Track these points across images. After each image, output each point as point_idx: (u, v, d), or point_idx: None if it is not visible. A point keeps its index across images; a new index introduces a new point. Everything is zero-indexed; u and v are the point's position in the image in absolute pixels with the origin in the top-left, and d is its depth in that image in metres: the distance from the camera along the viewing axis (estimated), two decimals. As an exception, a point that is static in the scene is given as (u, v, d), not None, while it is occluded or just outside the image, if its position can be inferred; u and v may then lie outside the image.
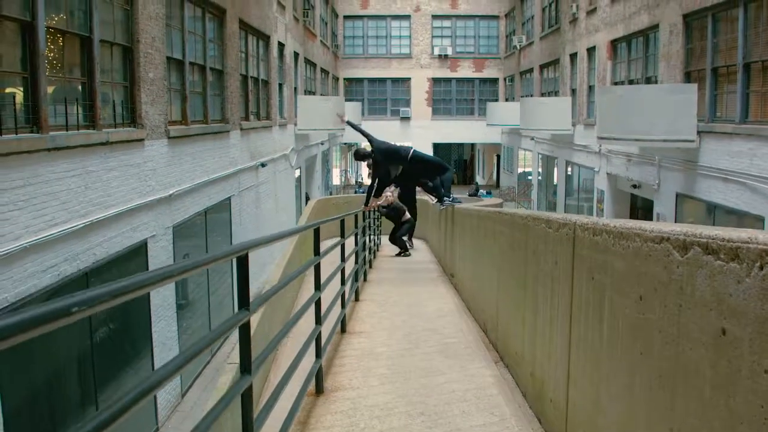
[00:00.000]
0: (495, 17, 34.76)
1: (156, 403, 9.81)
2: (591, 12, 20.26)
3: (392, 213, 14.90)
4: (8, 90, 6.93)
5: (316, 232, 4.28)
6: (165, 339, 10.24)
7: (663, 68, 14.83)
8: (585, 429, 2.87)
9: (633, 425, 2.28)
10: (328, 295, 4.72)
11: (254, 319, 6.52)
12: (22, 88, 7.03)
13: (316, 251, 4.24)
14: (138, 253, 9.50)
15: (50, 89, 7.40)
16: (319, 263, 4.18)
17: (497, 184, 38.05)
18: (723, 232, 1.67)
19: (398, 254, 14.91)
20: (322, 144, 27.44)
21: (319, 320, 4.09)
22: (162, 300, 10.12)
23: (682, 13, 13.77)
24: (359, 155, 11.38)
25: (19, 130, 6.79)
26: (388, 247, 15.86)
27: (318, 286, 4.16)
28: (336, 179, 35.62)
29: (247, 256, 2.19)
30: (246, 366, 2.17)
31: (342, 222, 5.62)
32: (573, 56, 22.35)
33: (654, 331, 2.06)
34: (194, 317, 12.04)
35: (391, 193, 14.32)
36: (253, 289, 14.89)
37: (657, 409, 2.05)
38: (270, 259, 17.86)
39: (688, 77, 13.78)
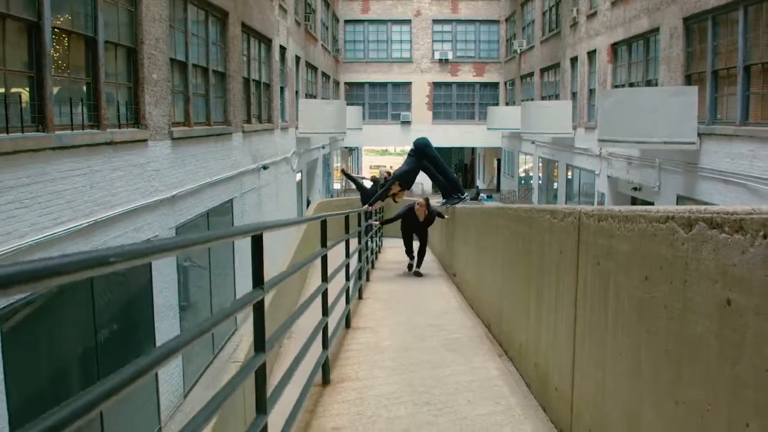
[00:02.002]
0: (495, 21, 34.89)
1: (159, 402, 9.84)
2: (591, 16, 20.35)
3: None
4: (15, 89, 6.97)
5: (323, 223, 4.34)
6: (168, 339, 10.29)
7: (663, 71, 14.90)
8: (591, 413, 2.92)
9: (639, 403, 2.33)
10: (332, 292, 4.76)
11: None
12: (28, 88, 7.08)
13: (323, 243, 4.30)
14: (141, 253, 9.53)
15: (56, 89, 7.45)
16: (326, 255, 4.24)
17: (498, 188, 38.12)
18: (727, 207, 1.72)
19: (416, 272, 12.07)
20: (323, 147, 27.51)
21: (326, 312, 4.14)
22: (165, 300, 10.17)
23: (683, 16, 13.85)
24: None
25: (25, 129, 6.84)
26: (391, 250, 15.75)
27: (325, 278, 4.21)
28: (337, 183, 35.67)
29: (261, 236, 2.24)
30: (260, 345, 2.22)
31: (346, 218, 5.68)
32: (574, 60, 22.42)
33: (660, 309, 2.11)
34: (197, 319, 12.08)
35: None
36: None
37: (663, 384, 2.11)
38: (271, 261, 17.97)
39: (688, 80, 13.85)
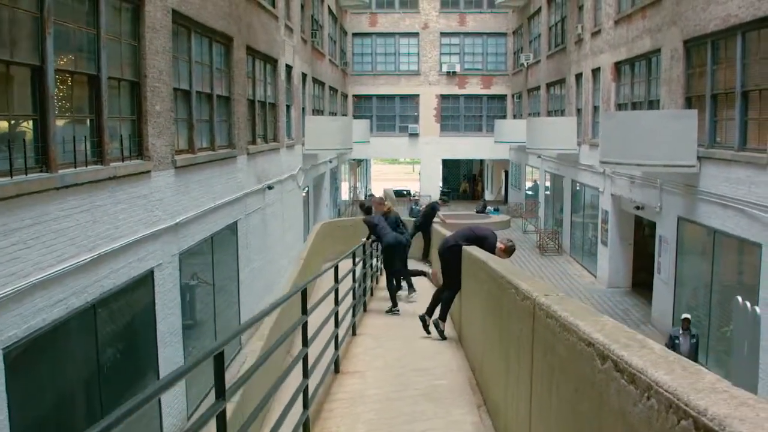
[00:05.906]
0: (503, 34, 35.04)
1: (162, 426, 10.01)
2: (596, 33, 20.45)
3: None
4: (18, 131, 7.13)
5: (303, 293, 4.48)
6: (172, 365, 10.46)
7: (665, 92, 15.00)
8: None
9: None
10: (324, 331, 4.85)
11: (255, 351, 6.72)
12: (32, 130, 7.23)
13: (304, 311, 4.44)
14: (144, 281, 9.71)
15: (59, 124, 7.56)
16: (306, 322, 4.38)
17: (505, 200, 38.20)
18: (628, 353, 1.87)
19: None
20: (330, 162, 27.66)
21: (306, 374, 4.29)
22: (168, 326, 10.33)
23: (683, 38, 13.95)
24: None
25: (29, 171, 6.98)
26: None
27: (305, 342, 4.35)
28: (344, 194, 35.82)
29: (223, 353, 2.40)
30: None
31: (335, 268, 5.81)
32: (578, 76, 22.51)
33: (584, 422, 2.28)
34: (200, 339, 12.25)
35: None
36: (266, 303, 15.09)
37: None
38: (278, 276, 18.12)
39: (689, 102, 13.94)
